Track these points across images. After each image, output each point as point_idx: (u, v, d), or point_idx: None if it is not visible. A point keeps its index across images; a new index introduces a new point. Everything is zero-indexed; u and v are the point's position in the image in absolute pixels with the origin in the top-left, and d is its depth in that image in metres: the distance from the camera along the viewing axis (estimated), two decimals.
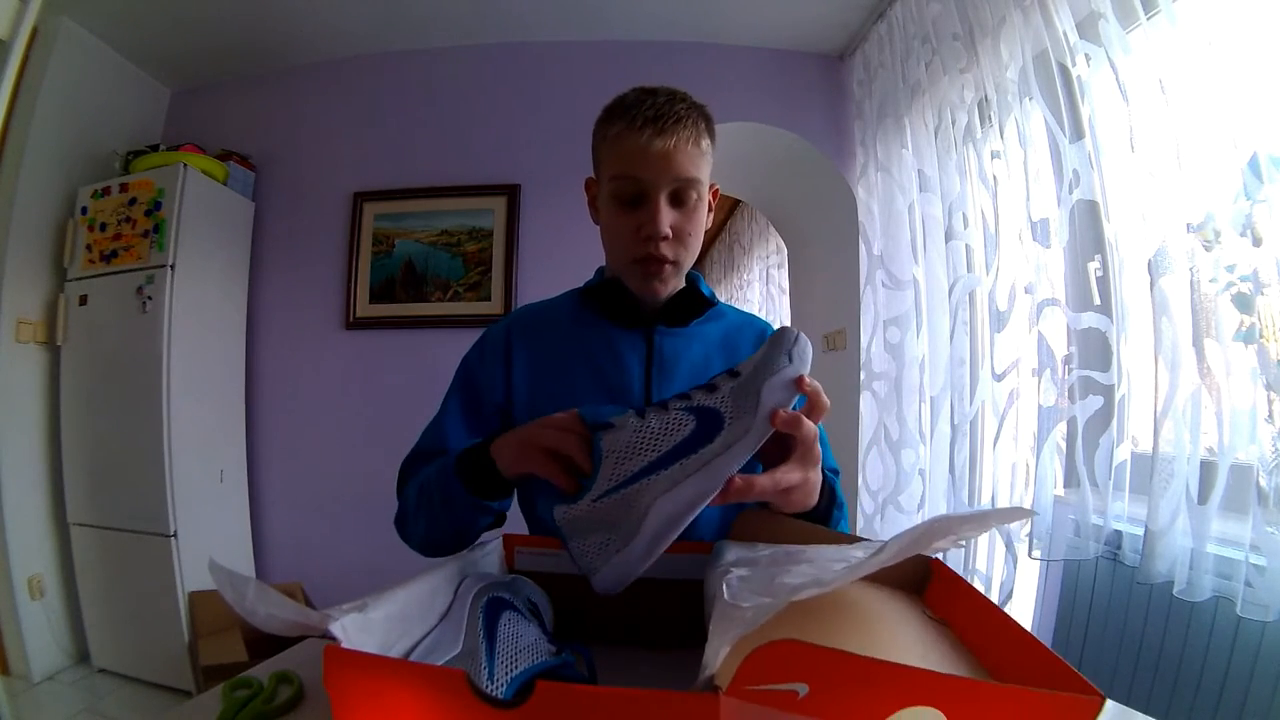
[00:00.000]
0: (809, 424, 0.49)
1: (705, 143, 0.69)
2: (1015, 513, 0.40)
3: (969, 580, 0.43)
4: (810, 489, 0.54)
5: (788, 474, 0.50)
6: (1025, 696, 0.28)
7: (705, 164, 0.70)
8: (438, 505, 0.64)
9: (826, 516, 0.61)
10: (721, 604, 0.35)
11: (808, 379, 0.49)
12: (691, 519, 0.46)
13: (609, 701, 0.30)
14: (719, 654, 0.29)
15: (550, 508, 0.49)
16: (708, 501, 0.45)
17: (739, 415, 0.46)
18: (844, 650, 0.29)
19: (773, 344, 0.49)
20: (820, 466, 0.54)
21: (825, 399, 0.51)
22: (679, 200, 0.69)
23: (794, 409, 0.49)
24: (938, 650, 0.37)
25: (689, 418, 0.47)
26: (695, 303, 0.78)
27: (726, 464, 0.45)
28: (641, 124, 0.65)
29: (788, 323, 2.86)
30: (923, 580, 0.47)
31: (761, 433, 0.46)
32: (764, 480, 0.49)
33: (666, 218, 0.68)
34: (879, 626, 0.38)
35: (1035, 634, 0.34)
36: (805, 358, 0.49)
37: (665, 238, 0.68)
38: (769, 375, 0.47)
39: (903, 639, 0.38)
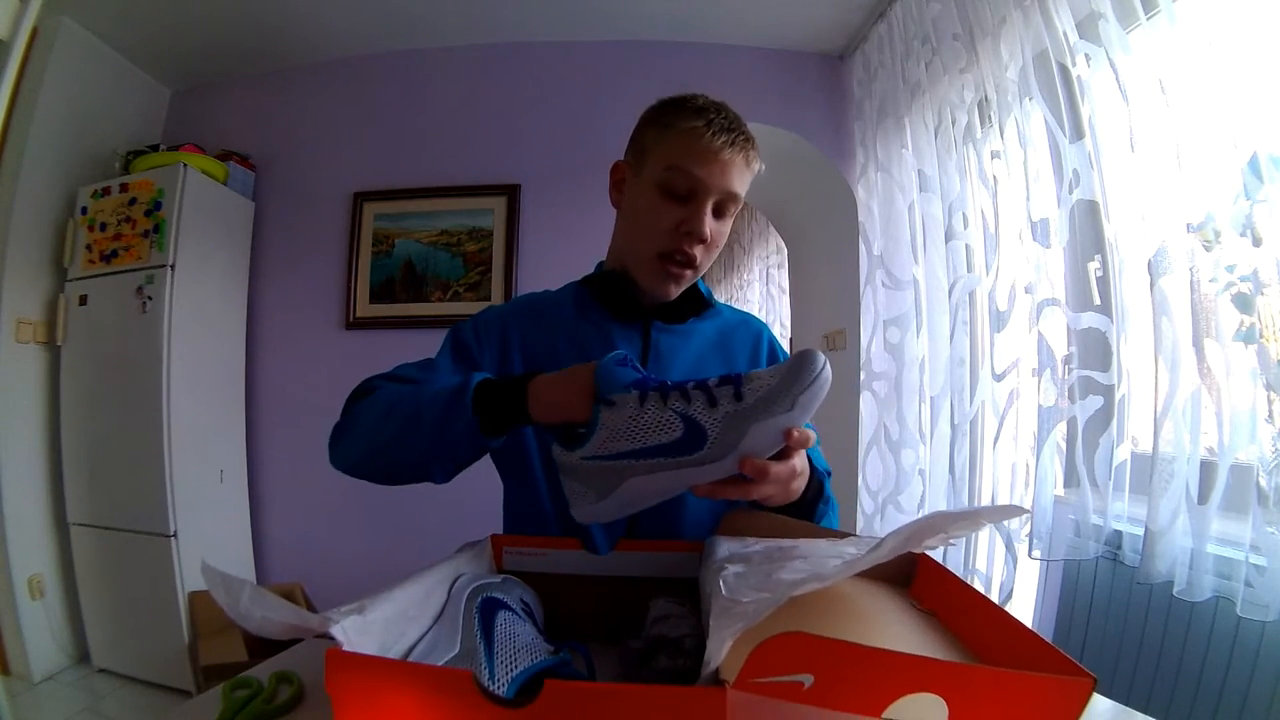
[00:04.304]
0: (775, 470, 0.49)
1: (757, 169, 0.72)
2: (1007, 510, 0.40)
3: (969, 580, 0.43)
4: (787, 495, 0.55)
5: (759, 489, 0.50)
6: (1022, 680, 0.29)
7: (749, 186, 0.73)
8: (418, 422, 0.60)
9: (811, 510, 0.62)
10: (721, 600, 0.35)
11: (796, 432, 0.48)
12: (658, 501, 0.51)
13: (618, 698, 0.30)
14: (722, 648, 0.30)
15: (552, 443, 0.54)
16: (676, 492, 0.50)
17: (722, 438, 0.47)
18: (847, 641, 0.29)
19: (785, 379, 0.47)
20: (805, 475, 0.55)
21: (812, 438, 0.50)
22: (720, 211, 0.71)
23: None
24: (930, 640, 0.38)
25: (679, 424, 0.48)
26: (693, 301, 0.79)
27: (695, 477, 0.49)
28: (716, 129, 0.67)
29: (787, 323, 2.86)
30: (909, 574, 0.48)
31: (730, 469, 0.48)
32: (732, 491, 0.50)
33: (708, 223, 0.69)
34: (871, 619, 0.39)
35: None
36: (810, 405, 0.47)
37: (704, 240, 0.70)
38: (764, 416, 0.47)
39: (896, 630, 0.38)
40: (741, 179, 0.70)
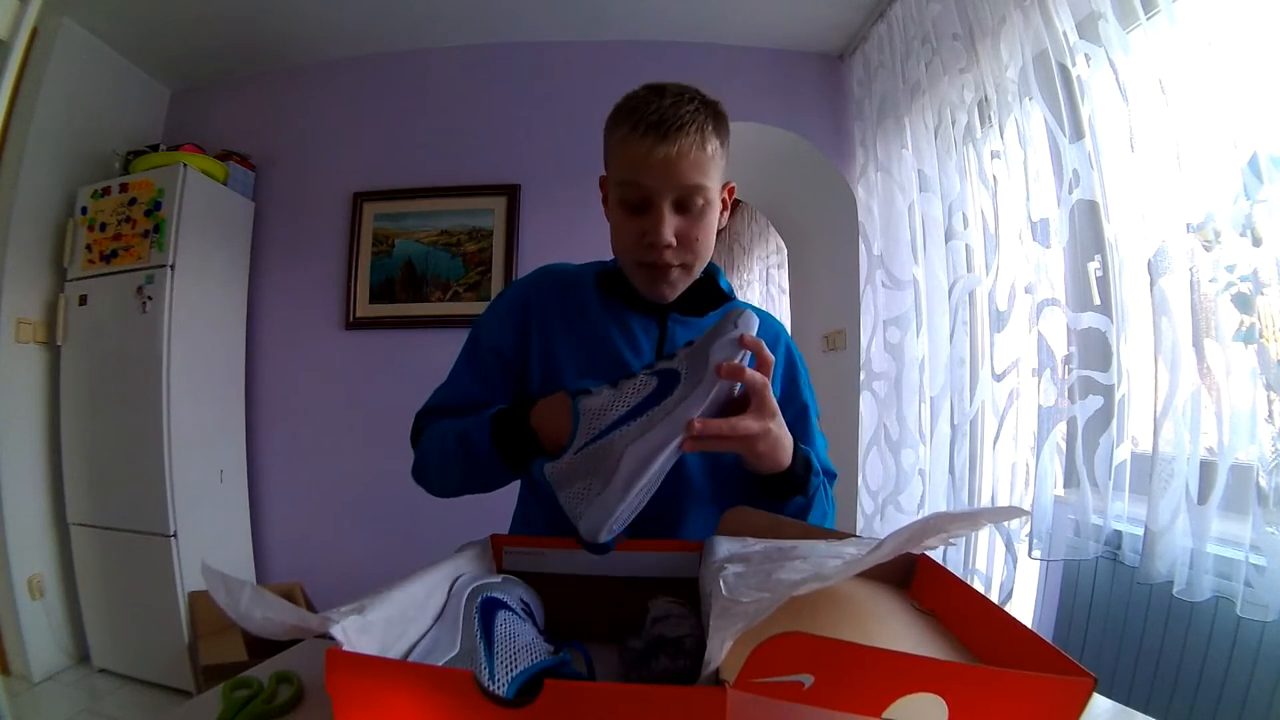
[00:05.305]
0: (752, 372, 0.54)
1: (712, 146, 0.66)
2: (1008, 511, 0.40)
3: (969, 580, 0.44)
4: (774, 442, 0.57)
5: (743, 421, 0.54)
6: (1022, 680, 0.29)
7: (713, 167, 0.67)
8: (465, 463, 0.66)
9: (804, 482, 0.63)
10: (721, 600, 0.35)
11: (749, 336, 0.54)
12: (661, 463, 0.50)
13: (618, 698, 0.30)
14: (722, 649, 0.30)
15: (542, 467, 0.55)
16: (674, 445, 0.51)
17: (693, 372, 0.54)
18: (847, 641, 0.29)
19: (722, 321, 0.57)
20: (780, 419, 0.57)
21: (768, 354, 0.56)
22: (684, 207, 0.67)
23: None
24: (930, 640, 0.38)
25: (652, 379, 0.54)
26: (711, 295, 0.78)
27: (685, 411, 0.51)
28: (644, 130, 0.63)
29: (788, 323, 2.87)
30: (907, 574, 0.48)
31: (711, 382, 0.52)
32: (721, 424, 0.53)
33: (670, 226, 0.66)
34: (871, 619, 0.39)
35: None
36: (750, 325, 0.56)
37: (669, 246, 0.67)
38: (717, 338, 0.55)
39: (895, 630, 0.38)
40: (692, 168, 0.64)
